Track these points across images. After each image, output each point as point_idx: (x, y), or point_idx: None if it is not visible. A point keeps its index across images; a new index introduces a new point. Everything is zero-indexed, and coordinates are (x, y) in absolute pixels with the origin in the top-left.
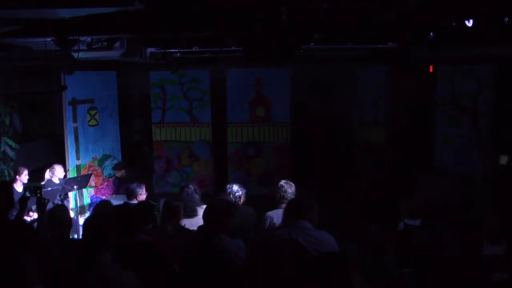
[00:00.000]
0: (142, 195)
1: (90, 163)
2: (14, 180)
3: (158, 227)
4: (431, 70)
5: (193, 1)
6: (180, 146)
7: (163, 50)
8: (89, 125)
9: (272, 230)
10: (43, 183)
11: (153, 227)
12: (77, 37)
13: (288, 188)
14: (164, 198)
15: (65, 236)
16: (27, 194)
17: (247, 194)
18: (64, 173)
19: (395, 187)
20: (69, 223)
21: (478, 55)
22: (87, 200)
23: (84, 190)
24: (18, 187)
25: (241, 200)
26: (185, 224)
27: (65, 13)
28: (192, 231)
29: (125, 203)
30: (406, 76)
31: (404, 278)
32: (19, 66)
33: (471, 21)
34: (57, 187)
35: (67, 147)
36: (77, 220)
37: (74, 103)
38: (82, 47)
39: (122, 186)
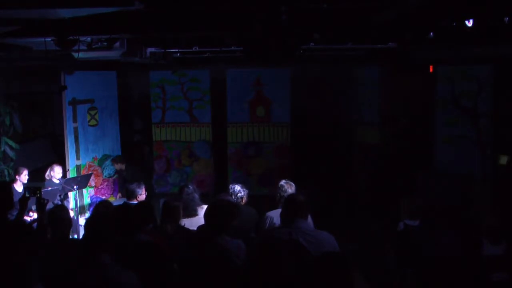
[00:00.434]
0: (142, 195)
1: (90, 163)
2: (14, 180)
3: (158, 227)
4: (431, 70)
5: (193, 1)
6: (180, 146)
7: (163, 50)
8: (89, 125)
9: (272, 230)
10: (45, 183)
11: (153, 227)
12: (77, 37)
13: (288, 188)
14: (164, 198)
15: (65, 236)
16: (27, 194)
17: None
18: (62, 173)
19: (395, 187)
20: (69, 223)
21: (478, 55)
22: (87, 200)
23: (84, 190)
24: (18, 187)
25: (243, 201)
26: (185, 224)
27: (65, 13)
28: (192, 231)
29: (125, 203)
30: (406, 76)
31: (404, 278)
32: (19, 66)
33: (471, 21)
34: (57, 187)
35: (67, 147)
36: (77, 220)
37: (74, 103)
38: (82, 47)
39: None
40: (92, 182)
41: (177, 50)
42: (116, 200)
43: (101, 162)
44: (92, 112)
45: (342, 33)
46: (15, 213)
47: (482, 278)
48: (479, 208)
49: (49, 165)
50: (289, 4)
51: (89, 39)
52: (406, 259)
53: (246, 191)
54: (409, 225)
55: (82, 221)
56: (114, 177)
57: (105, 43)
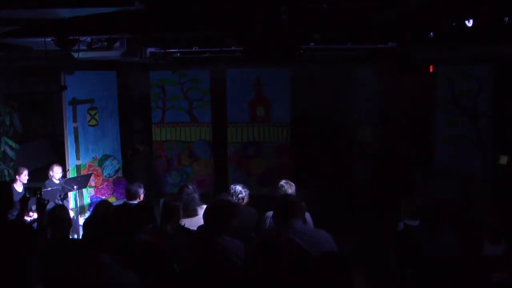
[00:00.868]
0: (142, 195)
1: (90, 163)
2: (14, 180)
3: (158, 227)
4: (431, 70)
5: (193, 1)
6: (180, 146)
7: (163, 50)
8: (89, 125)
9: (271, 230)
10: (45, 182)
11: (153, 227)
12: (77, 37)
13: (288, 188)
14: (163, 198)
15: (65, 236)
16: (27, 194)
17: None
18: (62, 173)
19: (395, 187)
20: (69, 223)
21: (478, 55)
22: (87, 200)
23: (84, 190)
24: (18, 187)
25: (244, 201)
26: (185, 224)
27: (65, 13)
28: (192, 231)
29: (125, 203)
30: (406, 76)
31: (404, 278)
32: (19, 66)
33: (471, 21)
34: (57, 187)
35: (67, 147)
36: (77, 220)
37: (74, 103)
38: (82, 47)
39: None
40: (92, 182)
41: (177, 50)
42: (116, 200)
43: (101, 162)
44: (92, 112)
45: (342, 33)
46: (15, 213)
47: (482, 278)
48: (479, 208)
49: (49, 165)
50: (289, 4)
51: (89, 39)
52: (406, 259)
53: (247, 191)
54: (409, 225)
55: (82, 221)
56: (114, 177)
57: (105, 43)
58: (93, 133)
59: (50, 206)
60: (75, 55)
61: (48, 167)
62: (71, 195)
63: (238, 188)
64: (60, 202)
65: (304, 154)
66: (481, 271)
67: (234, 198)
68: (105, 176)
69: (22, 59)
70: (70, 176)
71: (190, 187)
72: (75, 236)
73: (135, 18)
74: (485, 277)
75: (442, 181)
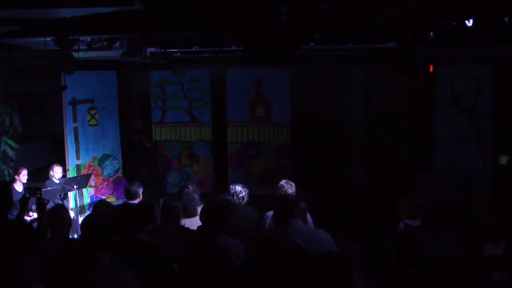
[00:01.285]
0: (141, 195)
1: (90, 163)
2: (14, 180)
3: (158, 227)
4: (431, 70)
5: (193, 1)
6: (180, 146)
7: (163, 50)
8: (89, 125)
9: (271, 230)
10: (45, 182)
11: (153, 227)
12: (77, 37)
13: (288, 188)
14: (163, 198)
15: (65, 236)
16: (27, 194)
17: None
18: (62, 173)
19: (395, 187)
20: (69, 223)
21: (478, 55)
22: (87, 200)
23: (84, 190)
24: (18, 187)
25: (244, 201)
26: (184, 224)
27: (65, 13)
28: (192, 231)
29: (125, 203)
30: (406, 76)
31: (404, 278)
32: (19, 66)
33: (471, 21)
34: (57, 187)
35: (67, 147)
36: (77, 220)
37: (74, 103)
38: (82, 47)
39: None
40: (92, 182)
41: (177, 50)
42: (116, 200)
43: (101, 162)
44: (92, 112)
45: (342, 33)
46: (15, 213)
47: (482, 278)
48: (479, 208)
49: (49, 165)
50: (289, 4)
51: (89, 39)
52: (406, 259)
53: (247, 191)
54: (409, 225)
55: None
56: (114, 176)
57: (105, 43)
58: (93, 133)
59: (50, 206)
60: (75, 55)
61: (48, 167)
62: (71, 195)
63: (238, 188)
64: (60, 202)
65: (304, 154)
66: (481, 271)
67: (234, 198)
68: (105, 176)
69: (22, 59)
70: (70, 176)
71: (190, 187)
72: (75, 236)
73: (135, 18)
74: (485, 277)
75: (442, 181)
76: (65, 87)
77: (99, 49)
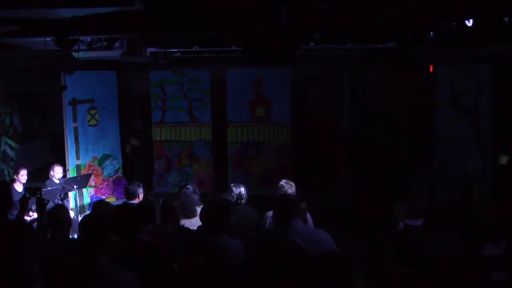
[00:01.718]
0: (141, 195)
1: (90, 163)
2: (14, 180)
3: (158, 227)
4: (431, 70)
5: (193, 1)
6: (180, 146)
7: (163, 50)
8: (89, 125)
9: (271, 230)
10: (45, 182)
11: (153, 227)
12: (77, 37)
13: (288, 188)
14: (163, 198)
15: (65, 236)
16: (27, 195)
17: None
18: (63, 173)
19: (395, 187)
20: (69, 223)
21: (478, 55)
22: (87, 200)
23: (84, 190)
24: (18, 187)
25: (244, 200)
26: (184, 224)
27: (65, 13)
28: (192, 231)
29: (125, 203)
30: (407, 76)
31: (404, 278)
32: (19, 66)
33: (471, 21)
34: (57, 187)
35: (67, 147)
36: (77, 220)
37: (74, 103)
38: (82, 47)
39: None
40: (92, 181)
41: (177, 50)
42: (116, 200)
43: (101, 162)
44: (92, 112)
45: (342, 33)
46: (15, 213)
47: (482, 278)
48: (479, 208)
49: (49, 165)
50: (289, 4)
51: (89, 39)
52: (406, 259)
53: (245, 189)
54: (409, 225)
55: None
56: (114, 176)
57: (105, 43)
58: (93, 133)
59: (50, 206)
60: (75, 55)
61: (48, 167)
62: (71, 195)
63: (242, 189)
64: (60, 202)
65: (304, 154)
66: (481, 271)
67: (234, 198)
68: (105, 176)
69: (22, 59)
70: (70, 176)
71: (190, 187)
72: (75, 236)
73: (135, 18)
74: (485, 277)
75: (442, 181)
76: (65, 87)
77: (99, 49)
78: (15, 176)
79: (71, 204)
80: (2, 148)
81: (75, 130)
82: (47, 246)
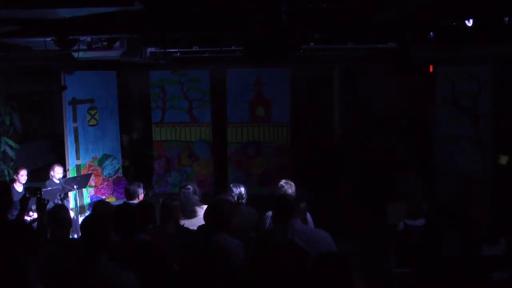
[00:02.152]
0: (142, 195)
1: (90, 163)
2: (14, 180)
3: (158, 227)
4: (431, 70)
5: (193, 1)
6: (180, 146)
7: (163, 50)
8: (89, 125)
9: (271, 230)
10: (46, 182)
11: (153, 227)
12: (77, 37)
13: (288, 188)
14: (163, 198)
15: (65, 236)
16: (27, 195)
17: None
18: (63, 174)
19: (395, 187)
20: (69, 223)
21: (478, 55)
22: (87, 200)
23: (84, 190)
24: (18, 187)
25: (244, 200)
26: (184, 224)
27: (65, 13)
28: (192, 231)
29: (125, 203)
30: (406, 76)
31: (404, 278)
32: (19, 66)
33: (471, 21)
34: (57, 187)
35: (67, 147)
36: (77, 220)
37: (74, 103)
38: (82, 47)
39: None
40: (92, 181)
41: (177, 50)
42: (116, 200)
43: (101, 162)
44: (92, 112)
45: (342, 33)
46: (15, 213)
47: (482, 278)
48: (479, 208)
49: (49, 165)
50: (289, 4)
51: (89, 39)
52: (406, 259)
53: (245, 189)
54: (409, 225)
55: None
56: (114, 176)
57: (105, 43)
58: (93, 133)
59: (50, 206)
60: (75, 55)
61: (48, 167)
62: (71, 195)
63: (242, 189)
64: (60, 202)
65: (304, 154)
66: (481, 271)
67: (240, 200)
68: (105, 176)
69: (22, 59)
70: (70, 176)
71: (190, 187)
72: (75, 236)
73: (135, 18)
74: (485, 277)
75: (442, 181)
76: (65, 87)
77: (99, 49)
78: (15, 176)
79: (71, 204)
80: (2, 148)
81: (75, 130)
82: (47, 246)
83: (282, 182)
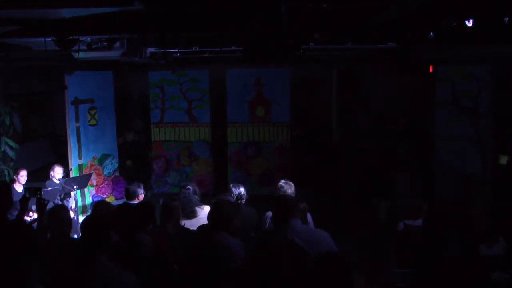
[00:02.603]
0: (142, 195)
1: (92, 162)
2: (14, 180)
3: (158, 227)
4: (431, 70)
5: (193, 1)
6: (179, 146)
7: (163, 50)
8: (89, 125)
9: (271, 230)
10: (46, 182)
11: (153, 227)
12: (77, 37)
13: (288, 188)
14: (163, 198)
15: (65, 236)
16: (27, 195)
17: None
18: (63, 174)
19: (395, 187)
20: (69, 223)
21: (478, 55)
22: (88, 200)
23: (85, 190)
24: (18, 187)
25: (244, 200)
26: (184, 224)
27: (65, 13)
28: (192, 231)
29: (125, 203)
30: (406, 76)
31: (404, 278)
32: (19, 66)
33: (471, 21)
34: (57, 187)
35: (70, 146)
36: (77, 220)
37: (76, 102)
38: (82, 47)
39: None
40: (93, 181)
41: (177, 50)
42: (115, 199)
43: (101, 161)
44: (92, 112)
45: (342, 33)
46: (15, 213)
47: (482, 278)
48: (479, 208)
49: (49, 165)
50: (289, 4)
51: (89, 39)
52: (406, 259)
53: (245, 189)
54: (409, 225)
55: None
56: (113, 176)
57: (105, 43)
58: (93, 132)
59: (50, 206)
60: (75, 55)
61: (48, 167)
62: (72, 194)
63: (242, 189)
64: (60, 202)
65: (304, 154)
66: (481, 271)
67: (240, 200)
68: (106, 175)
69: (22, 59)
70: (73, 176)
71: (190, 187)
72: (75, 236)
73: (135, 18)
74: (485, 277)
75: (442, 181)
76: (65, 87)
77: (99, 49)
78: (15, 177)
79: (72, 204)
80: (2, 148)
81: (77, 130)
82: (47, 246)
83: (282, 182)
